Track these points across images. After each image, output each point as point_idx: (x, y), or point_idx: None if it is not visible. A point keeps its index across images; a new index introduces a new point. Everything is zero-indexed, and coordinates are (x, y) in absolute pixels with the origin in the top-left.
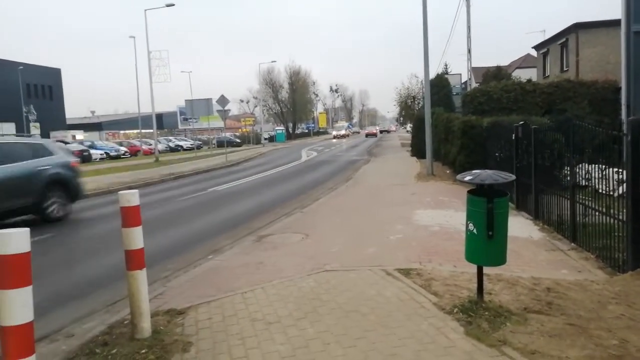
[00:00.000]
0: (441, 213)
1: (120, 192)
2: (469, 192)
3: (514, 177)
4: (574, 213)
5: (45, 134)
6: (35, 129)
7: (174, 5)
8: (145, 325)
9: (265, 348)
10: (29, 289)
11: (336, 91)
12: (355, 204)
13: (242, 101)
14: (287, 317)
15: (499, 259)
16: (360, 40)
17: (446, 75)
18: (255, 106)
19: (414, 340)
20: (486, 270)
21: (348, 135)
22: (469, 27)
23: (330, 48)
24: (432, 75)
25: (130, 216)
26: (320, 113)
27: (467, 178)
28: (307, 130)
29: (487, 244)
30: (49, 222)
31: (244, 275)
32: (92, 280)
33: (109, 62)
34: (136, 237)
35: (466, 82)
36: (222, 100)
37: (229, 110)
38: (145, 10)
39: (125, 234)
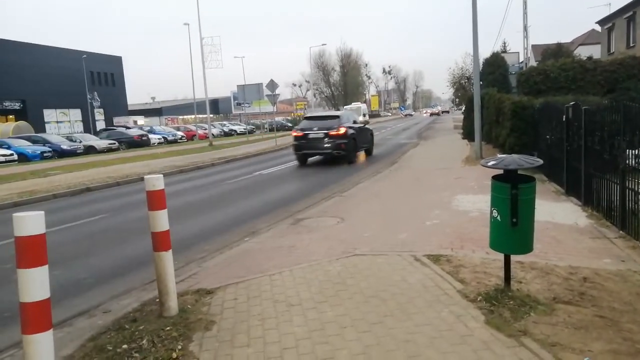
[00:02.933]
0: (483, 198)
1: (146, 176)
2: (493, 177)
3: (540, 161)
4: (624, 199)
5: (108, 120)
6: (99, 114)
7: None
8: (172, 304)
9: (283, 329)
10: (45, 269)
11: (389, 73)
12: (395, 189)
13: (294, 85)
14: (309, 300)
15: (525, 247)
16: (415, 19)
17: (503, 54)
18: (308, 90)
19: (431, 327)
20: (520, 257)
21: (439, 114)
22: (525, 2)
23: (384, 29)
24: (487, 53)
25: (155, 200)
26: (372, 95)
27: (491, 163)
28: None
29: (511, 231)
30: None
31: (275, 257)
32: (135, 259)
33: (169, 49)
34: (162, 220)
35: (524, 61)
36: (272, 85)
37: (279, 94)
38: None
39: (152, 217)
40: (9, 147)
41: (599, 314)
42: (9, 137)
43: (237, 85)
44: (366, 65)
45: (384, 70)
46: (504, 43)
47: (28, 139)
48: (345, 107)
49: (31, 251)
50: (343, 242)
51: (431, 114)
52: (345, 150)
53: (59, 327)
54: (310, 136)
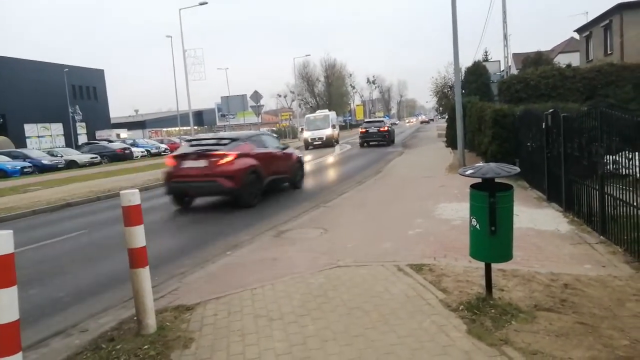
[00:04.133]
0: (466, 206)
1: (122, 191)
2: (471, 186)
3: (517, 169)
4: (603, 204)
5: (91, 133)
6: (81, 128)
7: (207, 3)
8: (150, 322)
9: (263, 345)
10: (14, 290)
11: (373, 82)
12: (380, 198)
13: (279, 96)
14: (290, 313)
15: (504, 255)
16: (399, 29)
17: (484, 63)
18: (293, 100)
19: (413, 338)
20: (502, 265)
21: (429, 122)
22: (504, 12)
23: (368, 39)
24: (469, 62)
25: (131, 215)
26: (357, 105)
27: (469, 172)
28: (344, 123)
29: (490, 239)
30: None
31: (258, 271)
32: (114, 275)
33: (152, 61)
34: (138, 236)
35: (505, 69)
36: (256, 96)
37: (263, 105)
38: (180, 9)
39: (128, 233)
40: None
41: (579, 320)
42: None
43: (221, 97)
44: (350, 75)
45: (368, 80)
46: (486, 52)
47: (8, 154)
48: (308, 115)
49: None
50: (326, 254)
51: (422, 122)
52: (230, 192)
53: (34, 348)
54: (185, 166)
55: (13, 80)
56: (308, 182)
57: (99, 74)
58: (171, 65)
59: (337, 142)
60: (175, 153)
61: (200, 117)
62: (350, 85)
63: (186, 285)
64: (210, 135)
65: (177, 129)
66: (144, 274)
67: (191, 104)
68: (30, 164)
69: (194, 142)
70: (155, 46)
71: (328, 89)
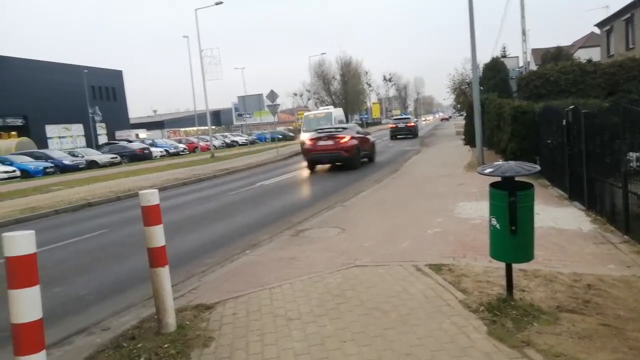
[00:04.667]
0: (486, 205)
1: (141, 192)
2: (491, 185)
3: (538, 168)
4: (627, 203)
5: (110, 134)
6: (101, 129)
7: (222, 2)
8: (170, 321)
9: (282, 345)
10: (36, 289)
11: (389, 80)
12: (397, 197)
13: (295, 95)
14: (308, 313)
15: (525, 255)
16: (415, 26)
17: (503, 59)
18: (309, 99)
19: (433, 339)
20: (523, 265)
21: (448, 119)
22: (522, 7)
23: (384, 36)
24: (487, 58)
25: (150, 215)
26: (373, 103)
27: (487, 171)
28: (360, 121)
29: (511, 239)
30: None
31: (276, 270)
32: (135, 274)
33: (170, 62)
34: (158, 235)
35: (523, 65)
36: (272, 95)
37: (279, 104)
38: (196, 9)
39: (147, 233)
40: (11, 164)
41: (603, 322)
42: (12, 154)
43: (238, 97)
44: (366, 73)
45: (384, 78)
46: (504, 48)
47: (30, 155)
48: (307, 113)
49: (22, 271)
50: (344, 253)
51: (442, 119)
52: (346, 160)
53: (59, 345)
54: (320, 144)
55: (34, 83)
56: (320, 182)
57: (117, 75)
58: (188, 65)
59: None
60: (312, 137)
61: (218, 117)
62: (367, 83)
63: (206, 284)
64: (330, 126)
65: (194, 128)
66: (164, 273)
67: (208, 103)
68: (52, 165)
69: (322, 130)
70: (173, 46)
71: (344, 87)
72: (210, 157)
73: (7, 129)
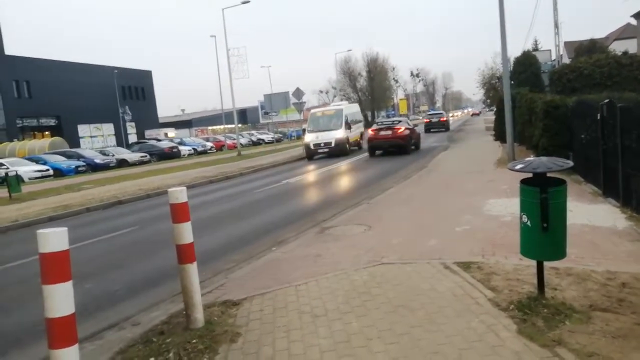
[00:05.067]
0: (516, 202)
1: (170, 189)
2: (522, 181)
3: (570, 163)
4: None
5: (140, 133)
6: (131, 128)
7: (249, 1)
8: (198, 316)
9: (308, 341)
10: (69, 284)
11: (417, 76)
12: (425, 194)
13: (321, 92)
14: (334, 310)
15: (557, 253)
16: (442, 20)
17: (534, 52)
18: (335, 96)
19: (461, 338)
20: (555, 263)
21: (479, 114)
22: None
23: (410, 32)
24: (518, 52)
25: (179, 212)
26: (400, 99)
27: (518, 167)
28: (387, 118)
29: (542, 237)
30: None
31: (302, 267)
32: (164, 270)
33: (197, 61)
34: (186, 232)
35: (556, 59)
36: (298, 93)
37: (305, 102)
38: (223, 9)
39: (176, 229)
40: (45, 163)
41: (638, 321)
42: (45, 153)
43: (264, 95)
44: (393, 69)
45: (411, 74)
46: (535, 41)
47: (63, 154)
48: (313, 110)
49: (55, 267)
50: (370, 251)
51: (472, 114)
52: (402, 146)
53: (91, 339)
54: (380, 134)
55: (67, 84)
56: (346, 179)
57: (146, 75)
58: (214, 64)
59: (358, 147)
60: (374, 128)
61: (244, 115)
62: (394, 79)
63: (233, 281)
64: (386, 119)
65: (222, 127)
66: (192, 269)
67: (235, 102)
68: (84, 163)
69: (381, 123)
70: (201, 46)
71: (370, 84)
72: (237, 155)
73: (41, 129)
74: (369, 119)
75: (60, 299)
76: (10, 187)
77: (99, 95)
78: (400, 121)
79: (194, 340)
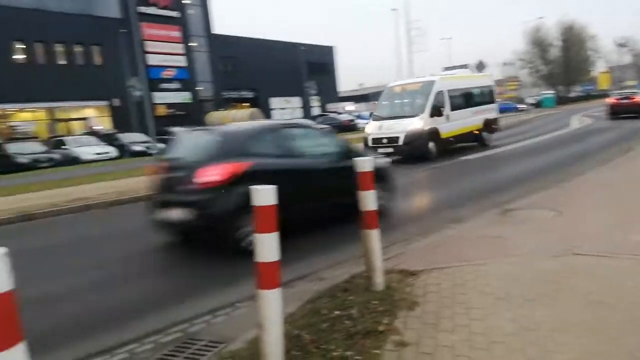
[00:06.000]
0: None
1: (357, 159)
2: None
3: None
4: None
5: (322, 106)
6: (315, 102)
7: None
8: (378, 280)
9: (490, 322)
10: (275, 235)
11: (624, 45)
12: (629, 181)
13: (505, 64)
14: (517, 296)
15: None
16: None
17: None
18: (522, 68)
19: None
20: None
21: None
22: None
23: None
24: None
25: (365, 181)
26: (601, 72)
27: None
28: (583, 94)
29: None
30: None
31: (480, 247)
32: (347, 233)
33: (376, 36)
34: (370, 200)
35: None
36: (480, 66)
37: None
38: None
39: (361, 196)
40: None
41: None
42: (245, 122)
43: (443, 68)
44: (592, 37)
45: (616, 43)
46: None
47: None
48: (390, 85)
49: (264, 219)
50: (559, 239)
51: None
52: (637, 111)
53: (284, 287)
54: (622, 101)
55: (262, 59)
56: (532, 159)
57: (329, 51)
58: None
59: (477, 140)
60: (616, 97)
61: None
62: (593, 49)
63: (410, 252)
64: (626, 90)
65: None
66: (375, 235)
67: (414, 76)
68: None
69: (621, 93)
70: (377, 21)
71: (565, 54)
72: None
73: (242, 100)
74: (561, 94)
75: (267, 247)
76: None
77: (288, 71)
78: (635, 92)
79: (375, 302)
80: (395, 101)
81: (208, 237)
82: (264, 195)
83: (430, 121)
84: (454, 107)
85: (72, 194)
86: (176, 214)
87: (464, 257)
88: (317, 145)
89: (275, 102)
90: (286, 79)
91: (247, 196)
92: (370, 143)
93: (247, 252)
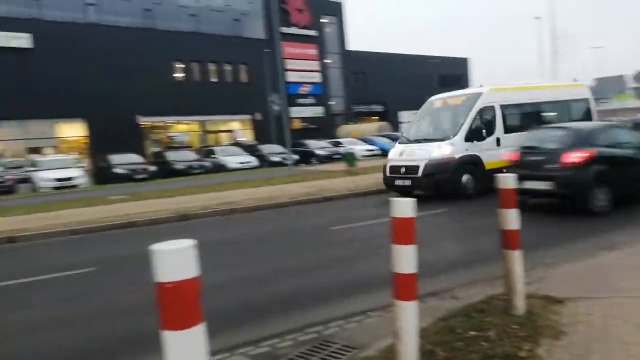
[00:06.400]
0: None
1: (498, 175)
2: None
3: None
4: None
5: None
6: None
7: None
8: (519, 304)
9: None
10: (413, 247)
11: None
12: None
13: None
14: None
15: None
16: None
17: None
18: None
19: None
20: None
21: None
22: None
23: None
24: None
25: (506, 198)
26: None
27: None
28: None
29: None
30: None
31: (635, 278)
32: (480, 252)
33: (513, 45)
34: (512, 219)
35: None
36: (638, 76)
37: None
38: None
39: (502, 215)
40: (373, 144)
41: None
42: (374, 135)
43: (594, 79)
44: None
45: None
46: None
47: (388, 136)
48: (431, 99)
49: (403, 231)
50: None
51: None
52: None
53: (422, 299)
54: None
55: (393, 73)
56: None
57: (463, 62)
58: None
59: None
60: None
61: None
62: None
63: (552, 277)
64: None
65: None
66: (515, 256)
67: None
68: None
69: None
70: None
71: None
72: None
73: (371, 114)
74: None
75: (406, 259)
76: (348, 162)
77: (418, 84)
78: None
79: (514, 326)
80: (429, 120)
81: (562, 203)
82: (404, 207)
83: (467, 146)
84: (512, 128)
85: (221, 198)
86: (536, 184)
87: (616, 287)
88: (631, 140)
89: (404, 115)
90: (416, 92)
91: (596, 174)
92: (387, 172)
93: (596, 213)
